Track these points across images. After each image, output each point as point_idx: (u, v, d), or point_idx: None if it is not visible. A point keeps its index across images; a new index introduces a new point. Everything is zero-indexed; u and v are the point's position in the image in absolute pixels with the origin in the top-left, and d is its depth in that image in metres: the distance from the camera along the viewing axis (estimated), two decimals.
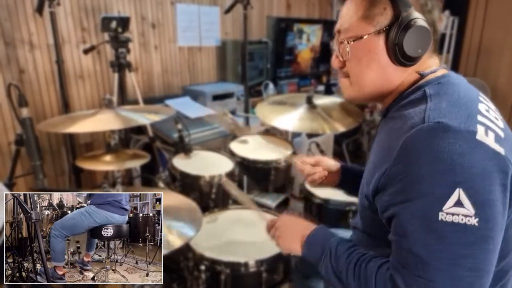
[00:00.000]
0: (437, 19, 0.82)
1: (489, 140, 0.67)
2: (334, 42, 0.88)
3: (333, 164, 1.22)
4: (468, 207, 0.63)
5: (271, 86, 3.25)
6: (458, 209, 0.64)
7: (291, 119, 1.81)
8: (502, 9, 3.69)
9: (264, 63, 3.34)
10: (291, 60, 3.60)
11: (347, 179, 1.20)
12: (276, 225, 1.01)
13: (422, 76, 0.81)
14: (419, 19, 0.76)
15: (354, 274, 0.78)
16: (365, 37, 0.80)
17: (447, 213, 0.64)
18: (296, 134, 2.66)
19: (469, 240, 0.64)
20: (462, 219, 0.63)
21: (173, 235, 1.15)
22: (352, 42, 0.81)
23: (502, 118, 0.78)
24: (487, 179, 0.65)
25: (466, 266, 0.64)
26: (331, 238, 0.87)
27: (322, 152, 2.03)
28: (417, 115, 0.72)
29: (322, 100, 1.98)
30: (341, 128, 1.79)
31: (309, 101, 1.86)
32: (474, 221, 0.63)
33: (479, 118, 0.70)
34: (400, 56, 0.77)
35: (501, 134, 0.71)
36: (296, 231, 0.95)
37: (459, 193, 0.64)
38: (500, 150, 0.67)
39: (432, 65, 0.83)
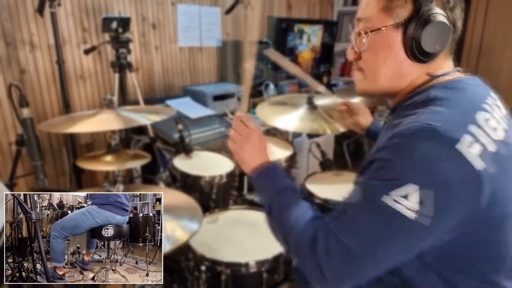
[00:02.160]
0: (459, 17, 0.79)
1: (471, 153, 0.65)
2: (352, 33, 0.86)
3: (364, 121, 1.40)
4: (414, 203, 0.65)
5: (271, 86, 3.24)
6: (403, 200, 0.65)
7: (292, 119, 1.80)
8: (503, 9, 3.69)
9: (265, 64, 3.34)
10: (291, 60, 3.59)
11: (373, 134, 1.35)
12: (242, 133, 0.96)
13: (432, 78, 0.80)
14: (440, 14, 0.74)
15: (287, 219, 0.81)
16: (383, 29, 0.78)
17: (392, 199, 0.66)
18: (296, 135, 2.66)
19: (401, 228, 0.67)
20: (402, 209, 0.65)
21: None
22: (370, 34, 0.79)
23: (506, 128, 0.74)
24: (446, 190, 0.65)
25: (385, 248, 0.69)
26: (281, 181, 0.90)
27: (322, 152, 2.02)
28: (414, 117, 0.72)
29: (322, 101, 1.97)
30: (341, 129, 1.78)
31: (310, 101, 1.86)
32: (414, 215, 0.65)
33: (471, 128, 0.68)
34: (417, 51, 0.75)
35: (493, 148, 0.69)
36: (255, 152, 0.95)
37: (414, 189, 0.65)
38: (479, 165, 0.65)
39: (445, 67, 0.81)
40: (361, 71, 0.86)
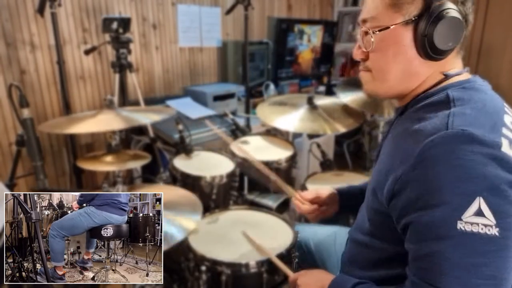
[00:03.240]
0: (470, 11, 0.76)
1: None
2: (357, 32, 0.82)
3: (329, 194, 1.19)
4: (489, 217, 0.61)
5: (272, 86, 3.24)
6: (478, 219, 0.61)
7: (292, 119, 1.80)
8: (503, 9, 3.69)
9: (265, 64, 3.34)
10: (292, 60, 3.60)
11: (346, 205, 1.18)
12: (298, 283, 0.99)
13: (446, 77, 0.76)
14: (452, 9, 0.71)
15: None
16: (392, 27, 0.74)
17: (466, 222, 0.61)
18: (297, 135, 2.66)
19: (487, 249, 0.62)
20: (482, 229, 0.61)
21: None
22: (377, 32, 0.76)
23: None
24: (509, 190, 0.62)
25: (482, 274, 0.61)
26: (347, 286, 0.85)
27: (323, 152, 2.03)
28: (440, 120, 0.68)
29: (323, 101, 1.97)
30: (342, 129, 1.78)
31: (310, 101, 1.86)
32: (494, 230, 0.61)
33: (504, 130, 0.67)
34: (429, 49, 0.72)
35: None
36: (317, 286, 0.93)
37: (479, 203, 0.61)
38: None
39: (456, 65, 0.79)
40: (369, 72, 0.82)
